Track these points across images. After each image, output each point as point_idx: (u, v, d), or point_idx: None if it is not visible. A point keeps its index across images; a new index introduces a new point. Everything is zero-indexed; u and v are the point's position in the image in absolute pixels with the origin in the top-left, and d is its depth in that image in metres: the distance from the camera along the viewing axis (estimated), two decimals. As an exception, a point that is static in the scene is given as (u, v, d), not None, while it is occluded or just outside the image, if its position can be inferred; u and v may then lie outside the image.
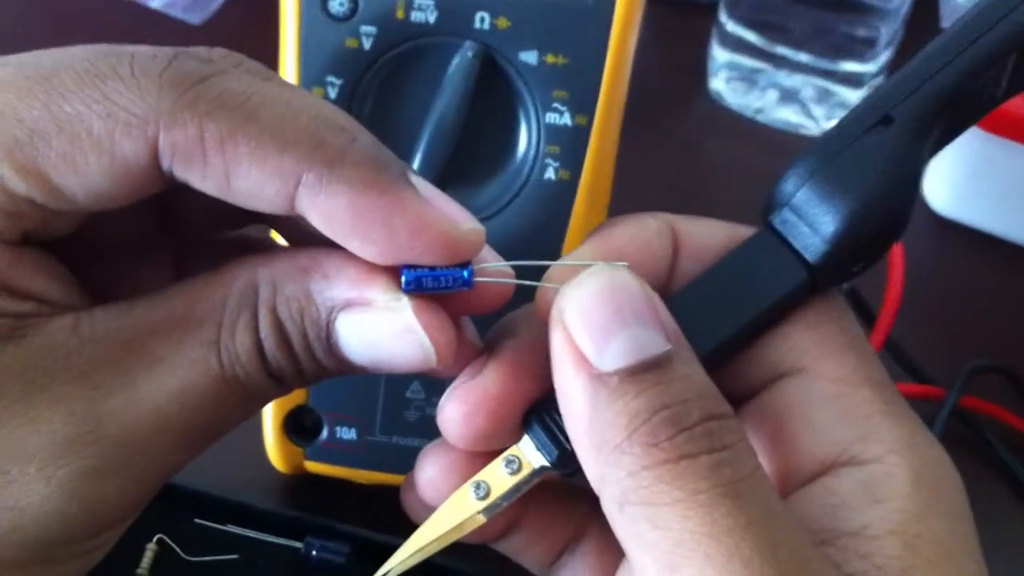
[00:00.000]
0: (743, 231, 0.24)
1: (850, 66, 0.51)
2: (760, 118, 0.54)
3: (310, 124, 0.21)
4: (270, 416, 0.36)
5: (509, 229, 0.34)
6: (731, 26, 0.53)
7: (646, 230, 0.24)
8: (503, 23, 0.32)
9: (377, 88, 0.33)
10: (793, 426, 0.23)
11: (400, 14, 0.32)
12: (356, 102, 0.33)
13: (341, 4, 0.32)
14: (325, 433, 0.36)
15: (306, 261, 0.21)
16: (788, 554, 0.19)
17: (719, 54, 0.54)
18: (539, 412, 0.22)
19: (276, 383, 0.22)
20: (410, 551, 0.23)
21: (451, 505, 0.23)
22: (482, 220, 0.34)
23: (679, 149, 0.54)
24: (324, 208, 0.21)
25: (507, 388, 0.22)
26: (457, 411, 0.22)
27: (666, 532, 0.19)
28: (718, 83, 0.55)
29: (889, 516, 0.21)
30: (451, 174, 0.33)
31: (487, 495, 0.22)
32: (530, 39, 0.32)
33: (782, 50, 0.52)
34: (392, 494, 0.36)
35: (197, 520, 0.36)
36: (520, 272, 0.23)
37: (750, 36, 0.53)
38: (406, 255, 0.21)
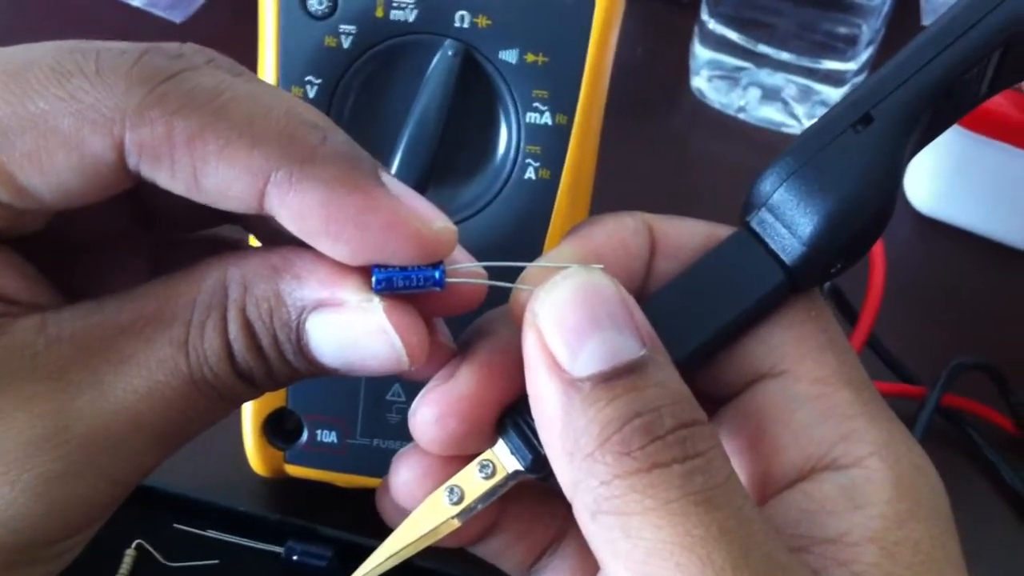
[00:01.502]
0: (721, 231, 0.24)
1: (832, 64, 0.51)
2: (742, 116, 0.54)
3: (281, 121, 0.20)
4: (249, 419, 0.36)
5: (490, 229, 0.33)
6: (713, 24, 0.53)
7: (623, 229, 0.23)
8: (483, 22, 0.32)
9: (357, 87, 0.33)
10: (773, 428, 0.22)
11: (380, 13, 0.32)
12: (336, 101, 0.33)
13: (320, 2, 0.32)
14: (305, 436, 0.35)
15: (277, 260, 0.21)
16: (761, 563, 0.19)
17: (701, 52, 0.54)
18: (513, 416, 0.22)
19: (247, 385, 0.21)
20: (384, 556, 0.22)
21: (425, 509, 0.22)
22: (462, 220, 0.34)
23: (662, 147, 0.54)
24: (294, 206, 0.20)
25: (480, 391, 0.22)
26: (429, 414, 0.22)
27: (638, 542, 0.19)
28: (700, 81, 0.55)
29: (868, 523, 0.21)
30: (432, 174, 0.33)
31: (461, 499, 0.22)
32: (510, 38, 0.32)
33: (764, 48, 0.52)
34: (373, 497, 0.36)
35: (176, 525, 0.36)
36: (494, 273, 0.23)
37: (732, 34, 0.53)
38: (378, 255, 0.21)
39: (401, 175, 0.33)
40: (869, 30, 0.49)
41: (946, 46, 0.22)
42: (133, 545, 0.35)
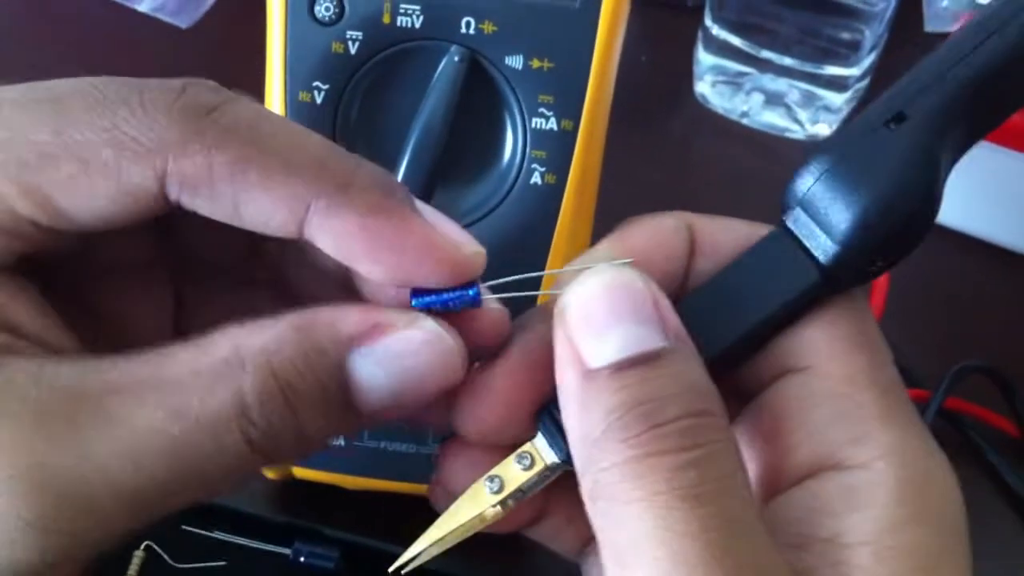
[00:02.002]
0: (761, 230, 0.24)
1: (834, 70, 0.51)
2: (745, 121, 0.54)
3: (318, 151, 0.21)
4: (258, 422, 0.36)
5: (496, 233, 0.34)
6: (716, 30, 0.53)
7: (663, 229, 0.24)
8: (489, 27, 0.32)
9: (364, 93, 0.33)
10: (788, 424, 0.23)
11: (386, 19, 0.32)
12: (343, 106, 0.33)
13: (327, 8, 0.32)
14: None
15: (298, 322, 0.21)
16: (738, 565, 0.19)
17: (705, 58, 0.54)
18: (552, 409, 0.22)
19: (256, 456, 0.20)
20: (429, 541, 0.23)
21: (467, 498, 0.23)
22: (469, 224, 0.34)
23: (666, 151, 0.54)
24: (334, 232, 0.21)
25: (517, 384, 0.23)
26: (469, 406, 0.23)
27: (623, 530, 0.19)
28: (704, 86, 0.55)
29: (863, 525, 0.21)
30: (438, 178, 0.33)
31: (501, 489, 0.22)
32: (516, 44, 0.32)
33: (767, 54, 0.53)
34: (382, 499, 0.36)
35: (184, 526, 0.36)
36: (522, 288, 0.23)
37: (735, 40, 0.53)
38: (413, 276, 0.22)
39: (407, 179, 0.33)
40: (872, 35, 0.49)
41: (980, 42, 0.22)
42: (141, 546, 0.35)
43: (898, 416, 0.22)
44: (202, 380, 0.20)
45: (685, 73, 0.56)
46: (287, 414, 0.20)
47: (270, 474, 0.37)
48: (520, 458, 0.23)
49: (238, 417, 0.20)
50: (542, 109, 0.33)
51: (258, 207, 0.21)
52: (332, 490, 0.37)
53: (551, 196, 0.34)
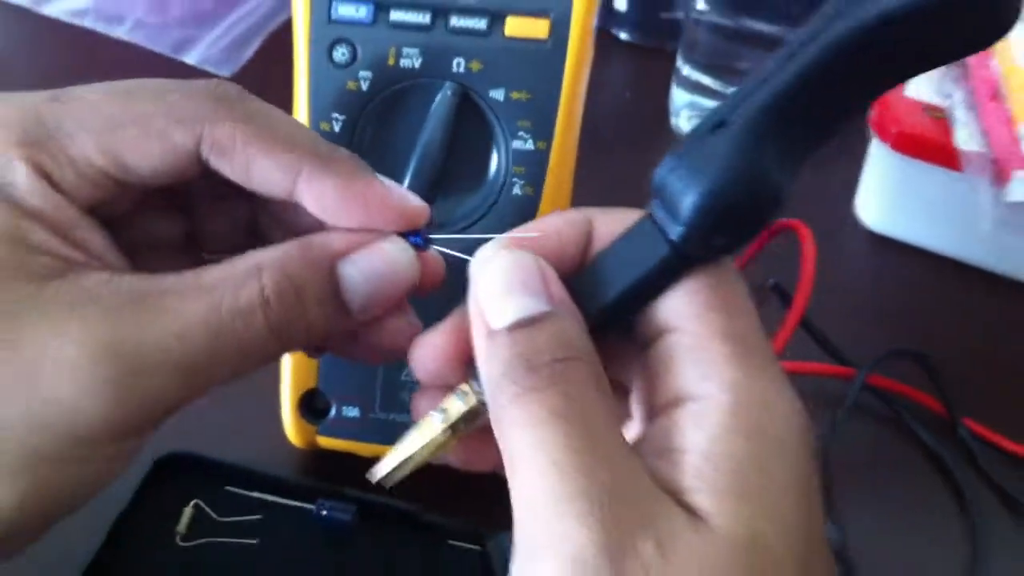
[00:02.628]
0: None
1: (791, 101, 0.57)
2: (717, 150, 0.60)
3: (309, 136, 0.29)
4: (287, 399, 0.42)
5: (486, 235, 0.40)
6: (687, 71, 0.59)
7: (567, 219, 0.30)
8: (476, 66, 0.38)
9: (374, 122, 0.39)
10: (659, 370, 0.27)
11: (391, 61, 0.38)
12: (357, 134, 0.39)
13: (343, 54, 0.38)
14: (333, 412, 0.42)
15: (301, 242, 0.29)
16: (595, 460, 0.24)
17: (679, 95, 0.61)
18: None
19: (274, 339, 0.28)
20: (397, 459, 0.29)
21: (423, 425, 0.29)
22: (462, 229, 0.41)
23: (646, 177, 0.60)
24: (316, 192, 0.29)
25: (453, 340, 0.29)
26: (417, 356, 0.29)
27: (513, 445, 0.25)
28: (680, 121, 0.61)
29: (697, 436, 0.25)
30: (437, 191, 0.39)
31: (447, 418, 0.28)
32: (499, 79, 0.38)
33: (734, 90, 0.59)
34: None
35: (227, 487, 0.42)
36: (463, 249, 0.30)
37: (705, 79, 0.59)
38: (374, 223, 0.29)
39: (411, 191, 0.40)
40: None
41: (792, 55, 0.25)
42: (191, 504, 0.41)
43: (746, 360, 0.26)
44: (233, 281, 0.27)
45: (663, 108, 0.63)
46: (297, 305, 0.28)
47: (298, 443, 0.43)
48: (459, 395, 0.28)
49: (262, 306, 0.27)
50: (521, 132, 0.39)
51: (263, 170, 0.28)
52: (349, 457, 0.43)
53: (529, 205, 0.39)
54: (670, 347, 0.27)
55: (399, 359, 0.31)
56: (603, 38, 0.68)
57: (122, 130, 0.28)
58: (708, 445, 0.25)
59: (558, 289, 0.27)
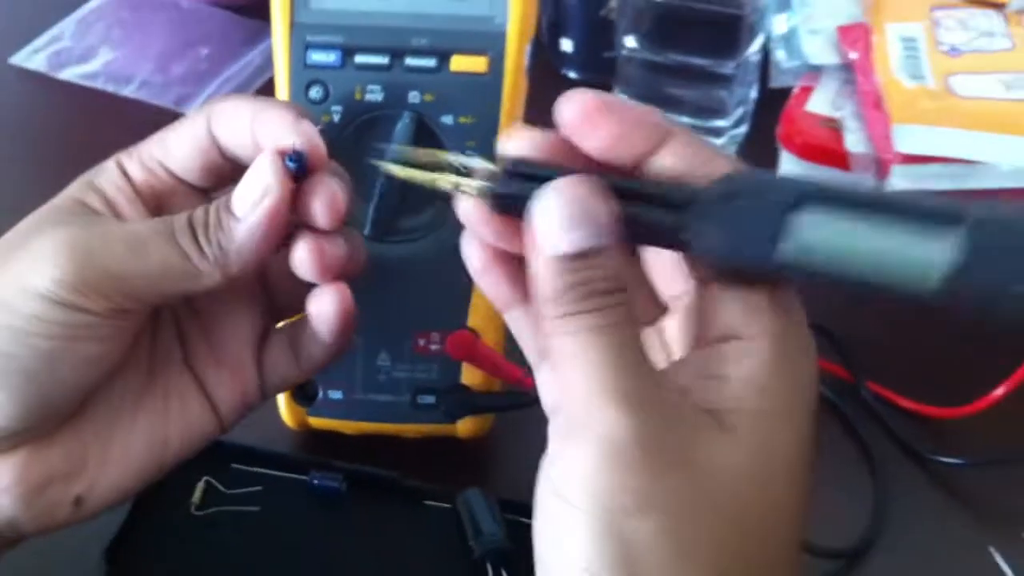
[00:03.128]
0: (719, 163, 0.30)
1: (715, 123, 0.65)
2: (656, 169, 0.68)
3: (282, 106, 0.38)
4: (282, 387, 0.49)
5: (441, 244, 0.46)
6: (625, 101, 0.68)
7: (651, 119, 0.31)
8: (429, 97, 0.44)
9: (346, 148, 0.44)
10: (713, 307, 0.31)
11: (358, 96, 0.45)
12: (332, 158, 0.46)
13: (317, 92, 0.45)
14: (321, 395, 0.49)
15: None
16: (635, 366, 0.29)
17: (621, 122, 0.69)
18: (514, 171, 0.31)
19: (202, 255, 0.35)
20: (406, 173, 0.35)
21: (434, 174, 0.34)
22: (423, 236, 0.47)
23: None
24: (264, 125, 0.37)
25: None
26: (470, 252, 0.34)
27: (559, 347, 0.29)
28: (623, 145, 0.69)
29: (744, 368, 0.29)
30: (402, 204, 0.46)
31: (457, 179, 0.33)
32: (448, 107, 0.44)
33: (669, 115, 0.67)
34: (372, 438, 0.50)
35: (232, 465, 0.48)
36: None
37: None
38: (271, 138, 0.36)
39: (378, 207, 0.46)
40: (736, 94, 0.64)
41: None
42: (202, 480, 0.48)
43: (786, 313, 0.30)
44: (171, 220, 0.36)
45: (608, 135, 0.70)
46: (214, 223, 0.35)
47: (292, 425, 0.50)
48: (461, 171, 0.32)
49: (187, 226, 0.36)
50: (469, 151, 0.43)
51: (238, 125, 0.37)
52: (336, 434, 0.49)
53: (479, 212, 0.47)
54: (715, 292, 0.31)
55: (345, 334, 0.38)
56: (553, 77, 0.75)
57: (168, 135, 0.38)
58: (748, 376, 0.29)
59: (610, 222, 0.30)
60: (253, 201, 0.35)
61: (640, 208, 0.30)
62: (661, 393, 0.29)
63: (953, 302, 0.27)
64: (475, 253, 0.34)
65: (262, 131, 0.36)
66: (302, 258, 0.36)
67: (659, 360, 0.34)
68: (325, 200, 0.36)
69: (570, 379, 0.29)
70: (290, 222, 0.36)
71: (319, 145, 0.36)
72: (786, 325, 0.30)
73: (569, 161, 0.31)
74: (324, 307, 0.38)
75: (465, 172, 0.33)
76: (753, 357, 0.29)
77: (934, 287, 0.27)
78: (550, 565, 0.29)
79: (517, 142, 0.31)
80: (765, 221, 0.29)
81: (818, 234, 0.28)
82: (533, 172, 0.31)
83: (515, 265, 0.32)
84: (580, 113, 0.31)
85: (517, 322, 0.35)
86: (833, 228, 0.28)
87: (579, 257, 0.29)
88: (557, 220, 0.29)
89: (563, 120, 0.31)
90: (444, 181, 0.33)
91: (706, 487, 0.29)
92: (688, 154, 0.30)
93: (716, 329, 0.31)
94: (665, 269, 0.35)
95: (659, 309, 0.35)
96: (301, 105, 0.38)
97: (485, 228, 0.33)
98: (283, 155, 0.35)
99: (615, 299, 0.29)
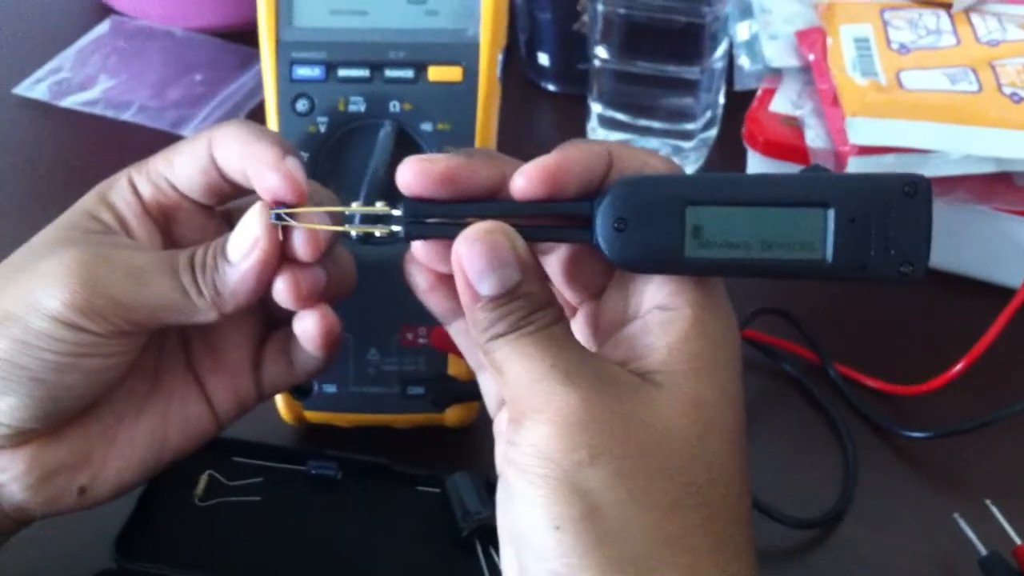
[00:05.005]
0: (654, 160, 0.35)
1: (685, 126, 0.68)
2: (632, 173, 0.71)
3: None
4: (278, 383, 0.52)
5: None
6: (601, 109, 0.70)
7: (590, 151, 0.34)
8: (408, 106, 0.47)
9: (332, 156, 0.48)
10: (637, 287, 0.34)
11: (342, 107, 0.48)
12: (319, 167, 0.48)
13: (303, 105, 0.48)
14: (316, 389, 0.51)
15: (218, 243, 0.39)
16: (567, 350, 0.32)
17: (598, 130, 0.72)
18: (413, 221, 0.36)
19: (197, 291, 0.38)
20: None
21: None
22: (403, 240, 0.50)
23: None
24: (227, 148, 0.39)
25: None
26: (414, 276, 0.37)
27: (498, 358, 0.33)
28: (600, 152, 0.72)
29: (667, 337, 0.33)
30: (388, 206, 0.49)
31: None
32: (426, 115, 0.47)
33: (643, 122, 0.70)
34: (365, 429, 0.52)
35: (233, 458, 0.51)
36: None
37: (618, 115, 0.70)
38: (258, 184, 0.38)
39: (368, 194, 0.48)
40: (703, 99, 0.67)
41: None
42: (206, 473, 0.50)
43: (705, 283, 0.33)
44: (176, 256, 0.38)
45: (585, 143, 0.73)
46: (211, 266, 0.38)
47: (288, 419, 0.53)
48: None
49: (188, 265, 0.38)
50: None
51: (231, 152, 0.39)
52: (331, 426, 0.52)
53: (457, 213, 0.50)
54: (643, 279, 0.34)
55: (331, 349, 0.41)
56: (532, 89, 0.79)
57: (173, 155, 0.40)
58: (674, 341, 0.33)
59: (526, 256, 0.33)
60: (244, 251, 0.37)
61: (550, 231, 0.35)
62: (598, 365, 0.33)
63: (842, 271, 0.33)
64: (419, 276, 0.37)
65: (249, 165, 0.38)
66: (280, 289, 0.38)
67: (589, 344, 0.37)
68: (304, 235, 0.37)
69: (511, 378, 0.33)
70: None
71: (300, 182, 0.37)
72: (707, 295, 0.33)
73: (467, 178, 0.34)
74: (307, 329, 0.40)
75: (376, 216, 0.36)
76: (677, 324, 0.33)
77: (824, 257, 0.32)
78: (522, 538, 0.32)
79: (412, 174, 0.34)
80: (666, 228, 0.33)
81: (714, 229, 0.33)
82: (433, 211, 0.35)
83: (453, 284, 0.35)
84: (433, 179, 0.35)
85: (459, 333, 0.39)
86: (725, 221, 0.33)
87: (500, 296, 0.33)
88: (475, 271, 0.33)
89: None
90: (356, 230, 0.37)
91: (649, 437, 0.32)
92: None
93: (643, 306, 0.34)
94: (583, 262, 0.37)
95: (585, 294, 0.38)
96: (289, 141, 0.40)
97: (422, 254, 0.36)
98: (273, 205, 0.37)
99: (541, 313, 0.33)
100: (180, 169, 0.40)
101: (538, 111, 0.78)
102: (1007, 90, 0.57)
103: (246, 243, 0.37)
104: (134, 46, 0.82)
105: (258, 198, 0.38)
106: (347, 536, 0.49)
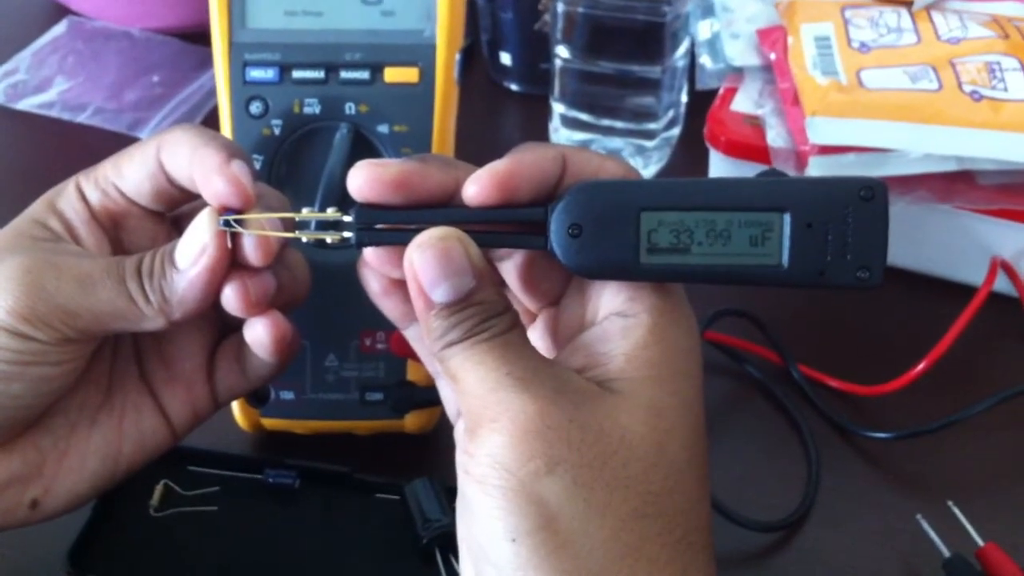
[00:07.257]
0: (609, 164, 0.34)
1: (647, 125, 0.68)
2: (595, 174, 0.70)
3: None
4: (234, 390, 0.51)
5: None
6: (564, 109, 0.70)
7: (545, 154, 0.34)
8: (364, 108, 0.47)
9: (287, 159, 0.48)
10: (595, 293, 0.35)
11: (296, 109, 0.47)
12: (274, 170, 0.48)
13: (257, 107, 0.48)
14: (273, 396, 0.51)
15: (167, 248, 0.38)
16: (521, 358, 0.32)
17: (560, 130, 0.71)
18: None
19: (144, 298, 0.37)
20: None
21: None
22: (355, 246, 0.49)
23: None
24: (175, 157, 0.39)
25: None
26: (368, 281, 0.37)
27: (453, 367, 0.33)
28: (564, 152, 0.71)
29: (625, 343, 0.32)
30: (342, 211, 0.48)
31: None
32: (383, 117, 0.47)
33: (606, 122, 0.69)
34: (324, 436, 0.52)
35: (189, 467, 0.50)
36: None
37: (581, 115, 0.70)
38: (205, 191, 0.37)
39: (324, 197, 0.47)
40: (664, 99, 0.67)
41: None
42: (161, 483, 0.49)
43: (663, 289, 0.33)
44: (123, 262, 0.37)
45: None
46: (159, 272, 0.37)
47: (246, 427, 0.52)
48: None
49: (136, 272, 0.37)
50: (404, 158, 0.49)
51: (179, 158, 0.38)
52: (289, 434, 0.52)
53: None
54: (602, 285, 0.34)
55: (284, 355, 0.40)
56: (494, 89, 0.78)
57: (120, 160, 0.39)
58: (632, 348, 0.32)
59: (480, 263, 0.33)
60: (192, 258, 0.37)
61: (505, 237, 0.34)
62: (554, 372, 0.32)
63: (797, 275, 0.32)
64: (372, 281, 0.37)
65: (197, 170, 0.37)
66: (228, 296, 0.37)
67: (548, 351, 0.37)
68: (254, 241, 0.37)
69: (466, 386, 0.33)
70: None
71: (246, 186, 0.37)
72: (665, 300, 0.33)
73: (421, 184, 0.34)
74: (258, 336, 0.39)
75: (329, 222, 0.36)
76: (635, 331, 0.33)
77: (780, 262, 0.32)
78: (480, 550, 0.32)
79: (364, 179, 0.34)
80: (621, 234, 0.33)
81: (668, 234, 0.33)
82: (387, 216, 0.34)
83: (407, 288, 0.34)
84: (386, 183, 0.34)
85: (417, 338, 0.39)
86: (680, 226, 0.33)
87: (454, 303, 0.33)
88: (427, 278, 0.32)
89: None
90: (306, 236, 0.37)
91: (607, 446, 0.31)
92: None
93: (600, 312, 0.34)
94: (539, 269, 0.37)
95: (543, 300, 0.37)
96: (238, 144, 0.39)
97: (375, 260, 0.36)
98: (221, 211, 0.37)
99: (495, 320, 0.33)
100: (128, 175, 0.40)
101: (501, 111, 0.78)
102: (967, 88, 0.57)
103: (194, 250, 0.37)
104: (92, 47, 0.81)
105: (207, 204, 0.38)
106: (306, 546, 0.48)
